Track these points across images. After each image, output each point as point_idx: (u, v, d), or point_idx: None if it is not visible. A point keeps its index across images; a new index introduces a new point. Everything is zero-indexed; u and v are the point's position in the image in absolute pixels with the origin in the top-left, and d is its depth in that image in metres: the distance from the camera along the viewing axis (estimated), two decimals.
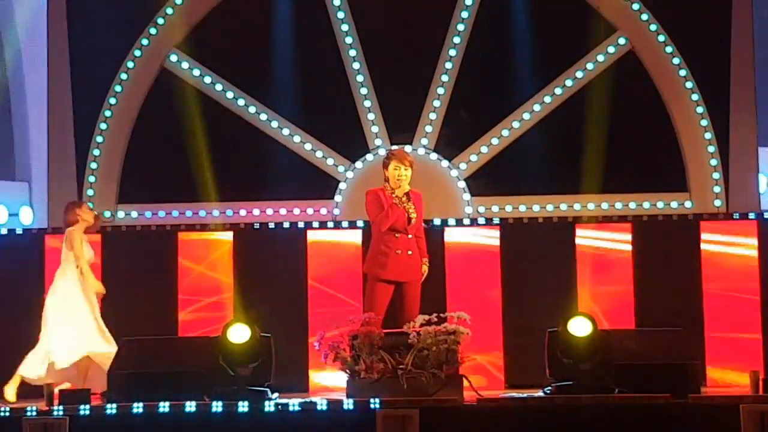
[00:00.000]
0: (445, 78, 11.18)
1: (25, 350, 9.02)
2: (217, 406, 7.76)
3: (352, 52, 11.22)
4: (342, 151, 11.15)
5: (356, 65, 11.20)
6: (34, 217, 11.05)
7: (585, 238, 10.33)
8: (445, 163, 11.11)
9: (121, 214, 11.03)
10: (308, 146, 11.17)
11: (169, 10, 11.20)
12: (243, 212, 11.05)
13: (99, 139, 11.10)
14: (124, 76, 11.14)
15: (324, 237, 10.44)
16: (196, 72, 11.21)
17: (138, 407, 7.74)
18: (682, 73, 11.09)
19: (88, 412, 7.71)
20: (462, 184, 11.08)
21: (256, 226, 10.55)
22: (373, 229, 8.90)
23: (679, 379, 8.08)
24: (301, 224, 10.54)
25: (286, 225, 10.57)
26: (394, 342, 8.26)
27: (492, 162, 11.15)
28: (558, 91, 11.15)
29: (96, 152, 11.09)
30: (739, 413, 7.54)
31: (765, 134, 11.05)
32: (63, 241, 9.26)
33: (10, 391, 8.96)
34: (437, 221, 10.26)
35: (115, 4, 11.11)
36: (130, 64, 11.14)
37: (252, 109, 11.20)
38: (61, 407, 7.74)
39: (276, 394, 8.34)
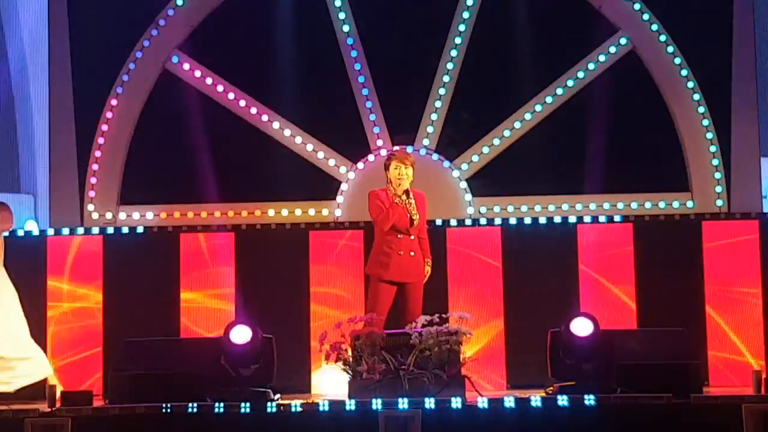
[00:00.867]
0: (446, 78, 11.18)
1: None
2: (219, 408, 7.76)
3: (354, 53, 11.22)
4: (343, 152, 11.15)
5: (357, 66, 11.20)
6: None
7: (585, 237, 10.32)
8: (446, 163, 11.11)
9: (122, 216, 11.03)
10: (310, 147, 11.17)
11: (171, 12, 11.21)
12: (244, 213, 11.05)
13: (100, 140, 11.10)
14: (125, 77, 11.14)
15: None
16: (198, 73, 11.21)
17: (140, 409, 7.73)
18: (684, 72, 11.08)
19: (90, 413, 7.72)
20: (463, 184, 11.08)
21: (258, 227, 10.55)
22: (375, 230, 8.90)
23: (680, 379, 8.07)
24: (302, 225, 10.53)
25: (288, 226, 10.56)
26: (396, 343, 8.28)
27: (493, 162, 11.15)
28: (559, 91, 11.15)
29: (97, 153, 11.09)
30: (741, 413, 7.55)
31: (765, 143, 11.05)
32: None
33: None
34: (439, 222, 10.25)
35: (116, 6, 11.11)
36: (132, 66, 11.15)
37: (253, 110, 11.20)
38: (63, 408, 7.74)
39: (278, 395, 8.35)
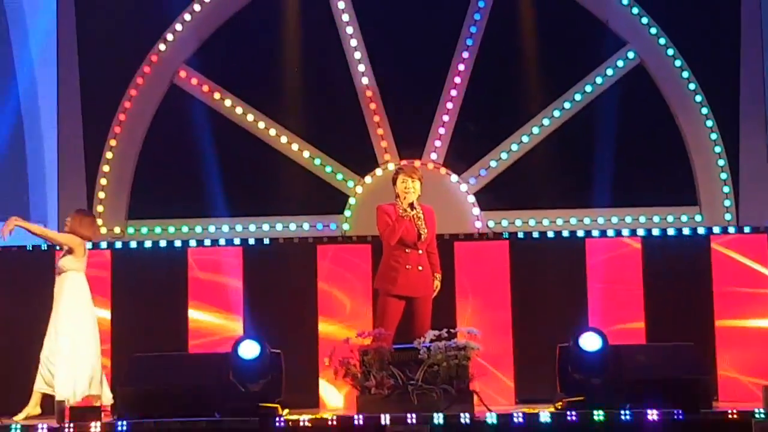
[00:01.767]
0: (453, 92, 11.19)
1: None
2: (227, 423, 7.74)
3: (361, 67, 11.23)
4: (351, 166, 11.16)
5: (365, 80, 11.21)
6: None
7: (593, 251, 10.30)
8: (454, 177, 11.11)
9: (131, 230, 11.04)
10: (317, 161, 11.18)
11: (179, 26, 11.23)
12: (252, 227, 11.06)
13: (109, 155, 11.12)
14: (133, 92, 11.17)
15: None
16: (206, 88, 11.23)
17: (149, 424, 7.73)
18: (692, 86, 11.09)
19: (98, 429, 7.71)
20: (471, 198, 11.08)
21: (266, 241, 10.55)
22: (383, 245, 8.89)
23: (690, 394, 8.04)
24: (310, 239, 10.53)
25: (296, 240, 10.56)
26: (404, 357, 8.26)
27: (501, 176, 11.15)
28: (567, 104, 11.16)
29: (106, 168, 11.11)
30: (751, 428, 7.52)
31: None
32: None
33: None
34: (446, 236, 10.24)
35: (124, 21, 11.14)
36: (140, 80, 11.17)
37: (261, 125, 11.22)
38: (71, 423, 7.74)
39: (286, 410, 8.34)
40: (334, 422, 7.76)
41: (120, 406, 8.40)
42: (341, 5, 11.27)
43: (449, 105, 11.18)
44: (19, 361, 9.45)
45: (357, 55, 11.25)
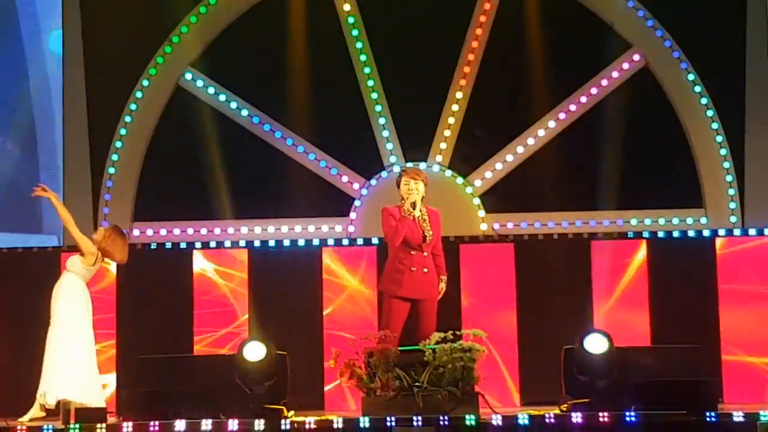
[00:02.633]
0: (459, 95, 11.19)
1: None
2: (233, 425, 7.75)
3: (367, 70, 11.24)
4: (357, 169, 11.17)
5: (371, 82, 11.22)
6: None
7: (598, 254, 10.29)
8: (459, 180, 11.11)
9: (136, 232, 11.05)
10: (323, 164, 11.18)
11: (184, 29, 11.25)
12: (258, 230, 11.07)
13: (114, 157, 11.14)
14: (139, 94, 11.19)
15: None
16: (211, 90, 11.25)
17: (154, 426, 7.73)
18: (697, 89, 11.09)
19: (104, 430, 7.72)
20: (477, 200, 11.08)
21: (271, 243, 10.55)
22: (388, 247, 8.88)
23: (695, 396, 8.03)
24: (316, 242, 10.52)
25: (301, 242, 10.56)
26: (409, 359, 8.26)
27: (507, 179, 11.15)
28: (572, 107, 11.16)
29: (111, 170, 11.13)
30: (756, 431, 7.51)
31: None
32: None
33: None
34: (452, 238, 10.24)
35: (130, 23, 11.15)
36: (145, 83, 11.19)
37: (267, 127, 11.23)
38: (77, 425, 7.75)
39: (292, 412, 8.34)
40: (340, 424, 7.76)
41: (125, 407, 8.39)
42: (347, 7, 11.28)
43: (455, 107, 11.19)
44: (26, 363, 9.45)
45: (363, 57, 11.26)
